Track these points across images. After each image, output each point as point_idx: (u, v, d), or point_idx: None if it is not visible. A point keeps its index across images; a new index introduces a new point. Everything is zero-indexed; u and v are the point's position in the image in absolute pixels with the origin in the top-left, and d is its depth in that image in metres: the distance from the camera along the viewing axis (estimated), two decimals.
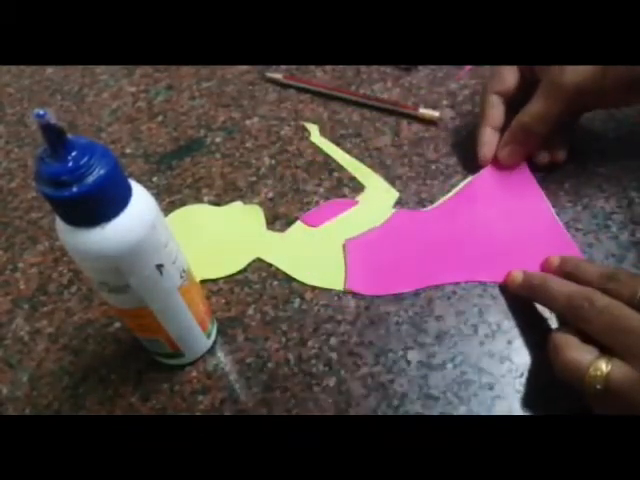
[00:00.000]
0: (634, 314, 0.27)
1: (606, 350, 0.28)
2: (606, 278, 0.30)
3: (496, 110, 0.40)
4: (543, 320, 0.34)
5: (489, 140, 0.41)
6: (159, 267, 0.27)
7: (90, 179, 0.22)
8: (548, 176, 0.40)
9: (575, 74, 0.35)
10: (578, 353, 0.28)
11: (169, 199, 0.43)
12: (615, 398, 0.27)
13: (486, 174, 0.41)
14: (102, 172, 0.23)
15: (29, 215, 0.44)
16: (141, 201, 0.25)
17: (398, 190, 0.41)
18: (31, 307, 0.38)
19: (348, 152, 0.45)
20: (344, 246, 0.38)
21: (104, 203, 0.24)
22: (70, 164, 0.22)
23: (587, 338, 0.29)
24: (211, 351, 0.34)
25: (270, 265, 0.38)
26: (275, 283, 0.37)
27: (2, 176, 0.48)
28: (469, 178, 0.41)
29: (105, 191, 0.23)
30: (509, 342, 0.33)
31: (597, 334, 0.28)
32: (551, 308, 0.33)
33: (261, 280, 0.38)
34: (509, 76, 0.40)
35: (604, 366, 0.27)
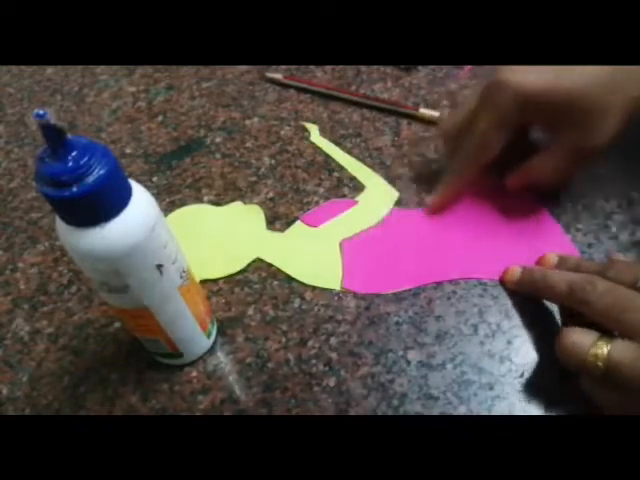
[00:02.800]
0: (636, 294, 0.28)
1: (607, 334, 0.28)
2: (606, 267, 0.31)
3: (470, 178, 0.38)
4: (543, 320, 0.34)
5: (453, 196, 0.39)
6: (159, 267, 0.27)
7: (90, 179, 0.22)
8: None
9: (604, 134, 0.32)
10: (578, 336, 0.29)
11: (169, 199, 0.43)
12: (617, 376, 0.27)
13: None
14: (102, 172, 0.23)
15: (29, 215, 0.44)
16: (141, 201, 0.25)
17: (398, 190, 0.41)
18: (31, 307, 0.38)
19: (348, 152, 0.45)
20: (340, 246, 0.38)
21: (104, 203, 0.24)
22: (70, 164, 0.22)
23: (589, 326, 0.29)
24: (211, 351, 0.34)
25: (270, 265, 0.38)
26: (275, 283, 0.37)
27: (2, 176, 0.48)
28: None
29: (105, 191, 0.23)
30: (509, 342, 0.33)
31: (599, 315, 0.29)
32: (552, 298, 0.33)
33: (261, 280, 0.38)
34: (494, 142, 0.35)
35: (605, 346, 0.27)
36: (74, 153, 0.22)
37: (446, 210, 0.39)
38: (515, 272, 0.35)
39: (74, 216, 0.24)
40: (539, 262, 0.35)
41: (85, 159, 0.22)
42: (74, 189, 0.22)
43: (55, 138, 0.22)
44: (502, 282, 0.36)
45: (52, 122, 0.21)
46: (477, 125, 0.35)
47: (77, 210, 0.23)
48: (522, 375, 0.32)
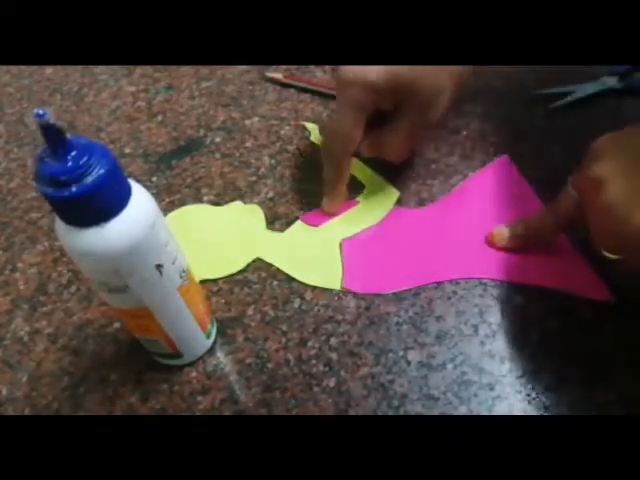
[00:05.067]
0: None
1: None
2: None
3: (348, 170, 0.40)
4: (544, 320, 0.34)
5: (344, 194, 0.40)
6: (159, 267, 0.27)
7: (89, 179, 0.22)
8: (547, 176, 0.40)
9: (440, 109, 0.36)
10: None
11: (169, 199, 0.43)
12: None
13: (482, 174, 0.41)
14: (101, 172, 0.23)
15: (28, 215, 0.44)
16: (141, 201, 0.25)
17: (398, 190, 0.41)
18: (30, 307, 0.38)
19: None
20: (340, 246, 0.38)
21: (103, 203, 0.24)
22: (69, 164, 0.22)
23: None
24: (211, 351, 0.34)
25: (270, 265, 0.38)
26: (275, 283, 0.37)
27: (2, 176, 0.47)
28: (469, 177, 0.42)
29: (104, 191, 0.23)
30: (509, 342, 0.33)
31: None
32: (543, 234, 0.36)
33: (261, 280, 0.38)
34: (355, 134, 0.37)
35: None
36: (73, 153, 0.22)
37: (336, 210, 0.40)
38: (502, 232, 0.37)
39: (74, 216, 0.24)
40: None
41: (84, 159, 0.22)
42: (73, 189, 0.22)
43: (55, 138, 0.22)
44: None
45: (52, 122, 0.21)
46: (340, 123, 0.37)
47: (76, 210, 0.23)
48: (522, 375, 0.32)
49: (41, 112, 0.21)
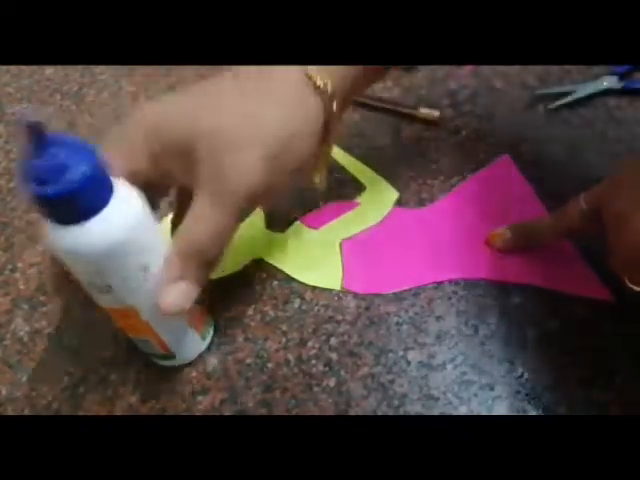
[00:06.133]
0: None
1: None
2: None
3: None
4: (544, 320, 0.34)
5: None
6: (144, 267, 0.26)
7: (67, 177, 0.22)
8: (547, 176, 0.40)
9: (243, 178, 0.28)
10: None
11: (168, 199, 0.43)
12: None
13: (482, 174, 0.41)
14: (80, 169, 0.22)
15: (28, 215, 0.44)
16: (124, 199, 0.25)
17: (398, 190, 0.41)
18: (30, 307, 0.38)
19: (348, 152, 0.44)
20: (340, 246, 0.38)
21: (82, 201, 0.23)
22: (48, 162, 0.22)
23: None
24: (210, 351, 0.34)
25: (270, 265, 0.38)
26: (275, 283, 0.37)
27: (1, 176, 0.47)
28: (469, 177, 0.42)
29: (83, 189, 0.23)
30: (509, 342, 0.33)
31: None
32: (542, 237, 0.36)
33: (261, 280, 0.38)
34: None
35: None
36: (53, 150, 0.22)
37: None
38: (503, 233, 0.36)
39: (54, 214, 0.24)
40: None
41: (63, 156, 0.22)
42: (51, 187, 0.22)
43: (34, 135, 0.21)
44: (490, 245, 0.37)
45: (31, 119, 0.21)
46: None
47: (56, 208, 0.23)
48: (522, 375, 0.32)
49: (22, 110, 0.20)
